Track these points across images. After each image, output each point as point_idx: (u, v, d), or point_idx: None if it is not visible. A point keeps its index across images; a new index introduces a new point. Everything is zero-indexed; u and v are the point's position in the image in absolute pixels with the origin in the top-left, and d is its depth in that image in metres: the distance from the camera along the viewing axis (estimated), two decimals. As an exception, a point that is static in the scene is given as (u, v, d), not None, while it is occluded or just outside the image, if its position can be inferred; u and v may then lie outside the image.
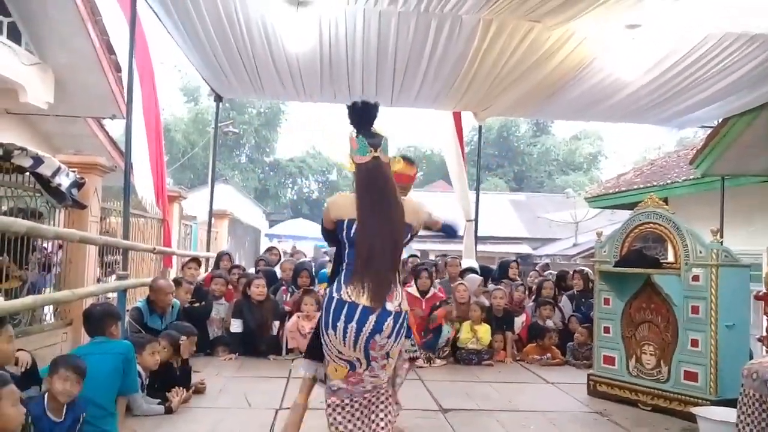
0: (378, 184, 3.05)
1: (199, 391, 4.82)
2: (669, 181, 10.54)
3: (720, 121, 8.23)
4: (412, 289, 6.74)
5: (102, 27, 7.84)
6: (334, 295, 3.03)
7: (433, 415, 4.52)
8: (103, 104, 9.03)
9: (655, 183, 10.81)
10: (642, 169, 13.13)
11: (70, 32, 7.82)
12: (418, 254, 11.73)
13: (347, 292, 2.99)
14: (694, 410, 4.28)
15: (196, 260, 7.52)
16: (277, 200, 38.86)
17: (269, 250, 10.07)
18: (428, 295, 6.81)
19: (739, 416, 3.46)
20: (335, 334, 2.99)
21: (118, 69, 8.09)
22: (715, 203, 8.74)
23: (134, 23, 5.84)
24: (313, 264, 8.86)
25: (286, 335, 6.54)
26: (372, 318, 2.95)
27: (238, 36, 5.95)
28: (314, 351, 3.44)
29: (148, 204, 7.32)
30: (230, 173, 34.49)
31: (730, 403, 3.86)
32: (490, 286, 7.71)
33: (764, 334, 5.11)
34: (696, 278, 4.72)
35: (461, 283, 7.16)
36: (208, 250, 9.89)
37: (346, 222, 3.06)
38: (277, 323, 6.62)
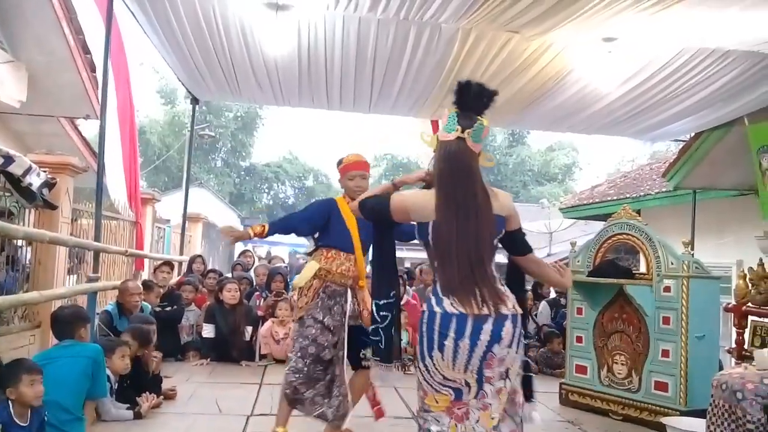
0: (458, 168, 2.54)
1: (170, 397, 4.75)
2: (642, 194, 10.68)
3: (693, 135, 8.37)
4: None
5: (77, 26, 7.72)
6: (435, 309, 2.46)
7: (406, 422, 4.50)
8: (76, 104, 8.87)
9: (628, 195, 10.94)
10: (615, 181, 13.29)
11: (45, 30, 7.69)
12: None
13: (451, 303, 2.43)
14: (664, 420, 4.32)
15: (168, 264, 7.45)
16: (252, 205, 38.62)
17: (243, 253, 10.03)
18: (402, 302, 6.80)
19: (708, 426, 3.50)
20: (443, 356, 2.44)
21: (93, 69, 7.97)
22: (686, 216, 8.87)
23: (110, 23, 5.77)
24: (288, 269, 8.83)
25: (259, 341, 6.49)
26: (487, 327, 2.41)
27: (216, 38, 5.91)
28: (388, 351, 2.83)
29: (121, 206, 7.22)
30: (205, 177, 34.19)
31: (700, 413, 3.91)
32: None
33: (733, 345, 5.18)
34: (667, 289, 4.78)
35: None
36: (181, 253, 9.78)
37: (431, 224, 2.52)
38: (250, 329, 6.56)
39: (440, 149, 2.59)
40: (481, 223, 2.50)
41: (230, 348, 6.40)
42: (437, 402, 2.52)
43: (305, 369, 3.64)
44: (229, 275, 8.03)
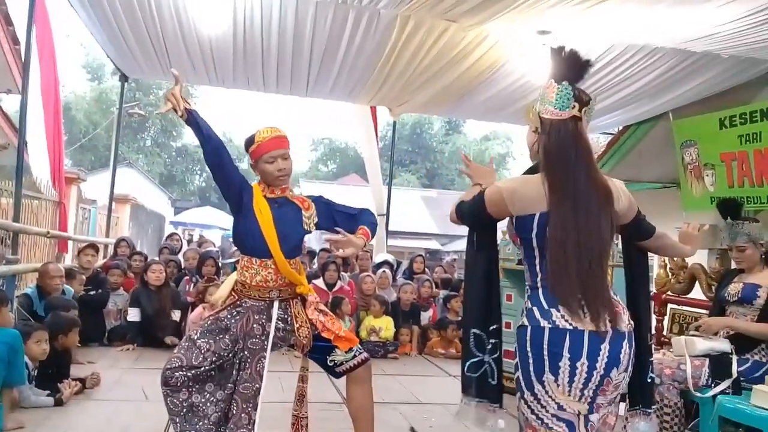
0: (576, 153, 2.10)
1: (92, 385, 4.57)
2: (571, 184, 10.96)
3: (620, 128, 8.65)
4: (319, 282, 6.75)
5: (-1, -5, 7.34)
6: (542, 324, 2.06)
7: (337, 407, 4.51)
8: (-3, 77, 8.47)
9: (558, 185, 11.21)
10: (547, 171, 13.61)
11: (-38, -2, 7.29)
12: (329, 246, 11.72)
13: (562, 316, 2.04)
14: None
15: (93, 246, 7.18)
16: (184, 187, 37.76)
17: (170, 236, 9.83)
18: (335, 288, 6.81)
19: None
20: (557, 381, 2.03)
21: (16, 41, 7.60)
22: (613, 207, 9.17)
23: (34, -8, 5.51)
24: (220, 254, 8.67)
25: (189, 326, 6.37)
26: (604, 347, 2.02)
27: (147, 13, 5.71)
28: (499, 386, 2.49)
29: (44, 185, 6.93)
30: (134, 157, 33.17)
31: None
32: (399, 280, 7.79)
33: (653, 332, 5.39)
34: (593, 277, 4.92)
35: (368, 275, 7.23)
36: (107, 236, 9.49)
37: (537, 217, 2.10)
38: (178, 312, 6.43)
39: (549, 129, 2.14)
40: (603, 219, 2.10)
41: (157, 331, 6.26)
42: None
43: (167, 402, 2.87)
44: (156, 258, 7.83)
